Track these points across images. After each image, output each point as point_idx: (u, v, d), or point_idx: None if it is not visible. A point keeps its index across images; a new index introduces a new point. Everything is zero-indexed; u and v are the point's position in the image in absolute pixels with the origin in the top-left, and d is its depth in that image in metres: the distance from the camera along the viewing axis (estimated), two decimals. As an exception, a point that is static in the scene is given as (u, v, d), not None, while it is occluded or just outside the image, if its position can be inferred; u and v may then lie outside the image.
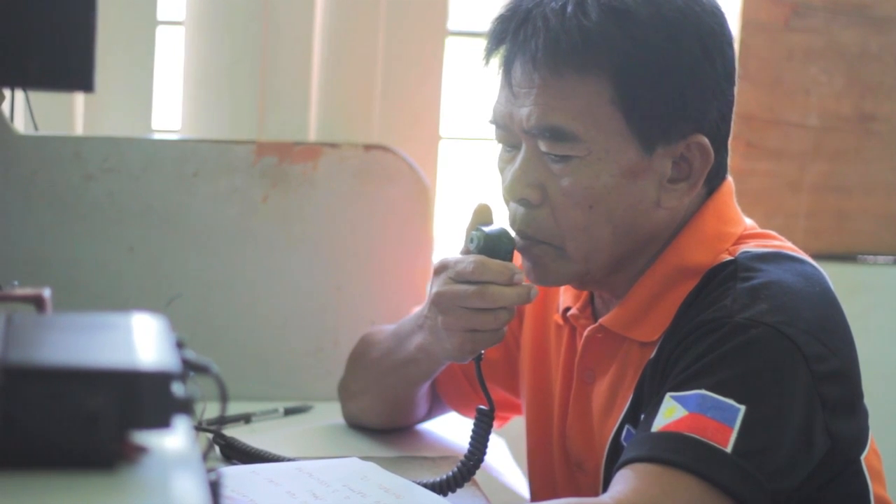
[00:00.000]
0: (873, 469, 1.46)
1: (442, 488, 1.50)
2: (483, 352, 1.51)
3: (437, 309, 1.49)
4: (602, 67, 1.41)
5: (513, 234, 1.49)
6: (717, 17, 1.45)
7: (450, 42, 2.30)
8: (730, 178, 1.53)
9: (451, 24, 2.30)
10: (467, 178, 2.46)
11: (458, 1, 2.36)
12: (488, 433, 1.51)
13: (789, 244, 1.51)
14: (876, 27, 2.44)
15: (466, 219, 1.52)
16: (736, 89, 1.49)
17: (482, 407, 1.51)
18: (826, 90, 2.43)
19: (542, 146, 1.44)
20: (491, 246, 1.47)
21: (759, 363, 1.35)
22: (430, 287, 1.52)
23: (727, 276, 1.43)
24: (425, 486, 1.50)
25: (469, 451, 1.51)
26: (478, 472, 1.63)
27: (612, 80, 1.41)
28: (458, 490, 1.53)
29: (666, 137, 1.43)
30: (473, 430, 1.52)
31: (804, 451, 1.36)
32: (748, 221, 1.53)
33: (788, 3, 2.40)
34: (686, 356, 1.38)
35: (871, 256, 2.47)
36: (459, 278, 1.46)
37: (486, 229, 1.48)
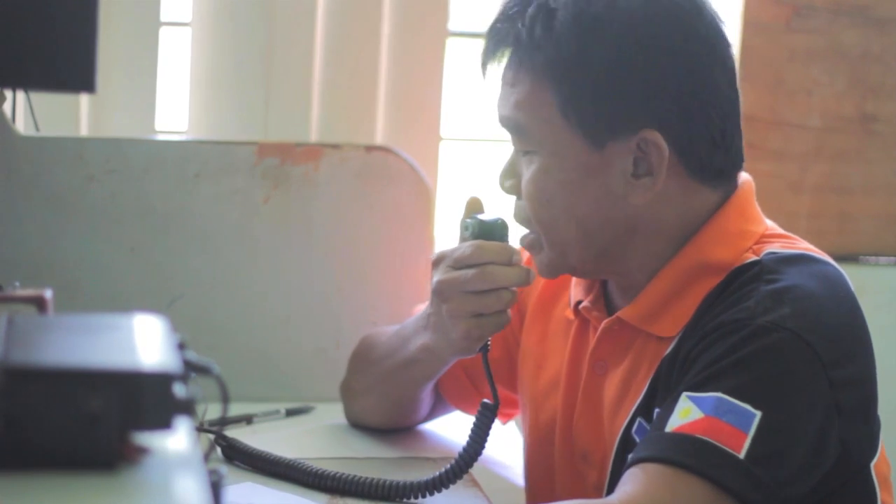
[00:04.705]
0: (882, 476, 1.46)
1: (436, 485, 1.50)
2: (489, 342, 1.52)
3: (439, 299, 1.50)
4: (536, 67, 1.45)
5: (507, 221, 1.52)
6: (674, 10, 1.44)
7: (451, 43, 2.30)
8: (750, 178, 1.53)
9: (452, 25, 2.30)
10: (468, 179, 2.46)
11: (459, 2, 2.36)
12: (489, 428, 1.51)
13: (812, 247, 1.50)
14: (878, 28, 2.44)
15: (459, 213, 1.55)
16: (714, 82, 1.45)
17: (486, 401, 1.52)
18: (828, 91, 2.43)
19: (512, 140, 1.51)
20: (486, 231, 1.50)
21: (777, 369, 1.35)
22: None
23: (752, 276, 1.42)
24: (420, 484, 1.50)
25: (467, 444, 1.51)
26: (478, 472, 1.62)
27: (548, 79, 1.44)
28: (459, 491, 1.53)
29: (612, 133, 1.44)
30: (474, 424, 1.51)
31: (816, 459, 1.36)
32: (769, 223, 1.53)
33: (790, 4, 2.40)
34: (705, 355, 1.38)
35: (873, 257, 2.47)
36: (458, 264, 1.48)
37: (481, 217, 1.51)
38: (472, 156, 2.47)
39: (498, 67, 1.50)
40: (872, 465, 1.44)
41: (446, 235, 2.31)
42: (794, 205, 2.44)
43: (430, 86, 2.28)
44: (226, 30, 2.19)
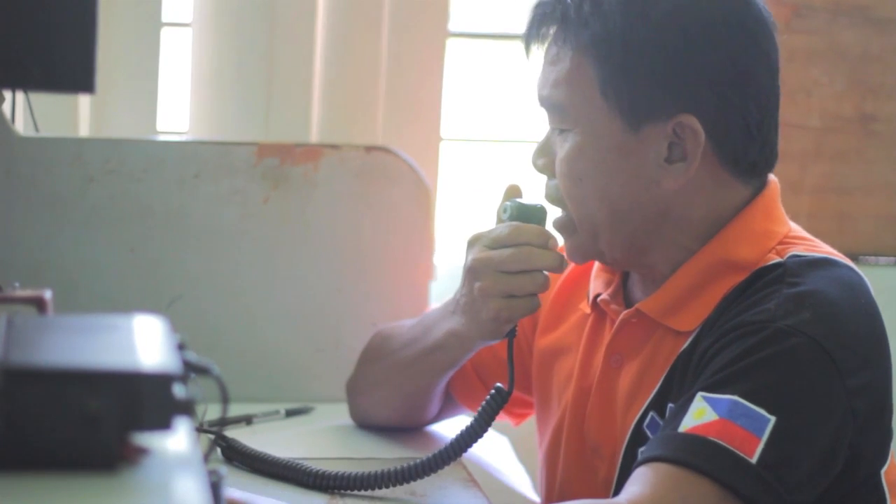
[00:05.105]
0: (892, 483, 1.46)
1: (433, 464, 1.49)
2: (517, 328, 1.52)
3: (472, 277, 1.50)
4: (581, 44, 1.46)
5: (546, 208, 1.52)
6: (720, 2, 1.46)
7: (451, 43, 2.30)
8: (776, 179, 1.54)
9: (453, 26, 2.30)
10: (468, 180, 2.46)
11: (460, 2, 2.36)
12: (495, 412, 1.50)
13: (834, 250, 1.50)
14: (877, 28, 2.43)
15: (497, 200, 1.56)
16: (755, 73, 1.48)
17: (500, 385, 1.51)
18: (827, 91, 2.43)
19: (548, 119, 1.51)
20: (525, 215, 1.50)
21: (794, 375, 1.35)
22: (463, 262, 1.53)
23: (775, 278, 1.42)
24: (411, 467, 1.49)
25: (470, 423, 1.50)
26: (478, 473, 1.62)
27: (591, 55, 1.45)
28: (459, 491, 1.52)
29: (650, 116, 1.45)
30: (482, 407, 1.51)
31: (827, 466, 1.37)
32: (792, 224, 1.53)
33: (789, 4, 2.40)
34: (723, 355, 1.38)
35: (873, 258, 2.47)
36: (495, 244, 1.49)
37: (520, 200, 1.52)
38: (472, 156, 2.47)
39: (540, 47, 1.51)
40: (883, 472, 1.44)
41: (446, 236, 2.31)
42: (793, 205, 2.42)
43: (430, 86, 2.28)
44: (227, 30, 2.19)
